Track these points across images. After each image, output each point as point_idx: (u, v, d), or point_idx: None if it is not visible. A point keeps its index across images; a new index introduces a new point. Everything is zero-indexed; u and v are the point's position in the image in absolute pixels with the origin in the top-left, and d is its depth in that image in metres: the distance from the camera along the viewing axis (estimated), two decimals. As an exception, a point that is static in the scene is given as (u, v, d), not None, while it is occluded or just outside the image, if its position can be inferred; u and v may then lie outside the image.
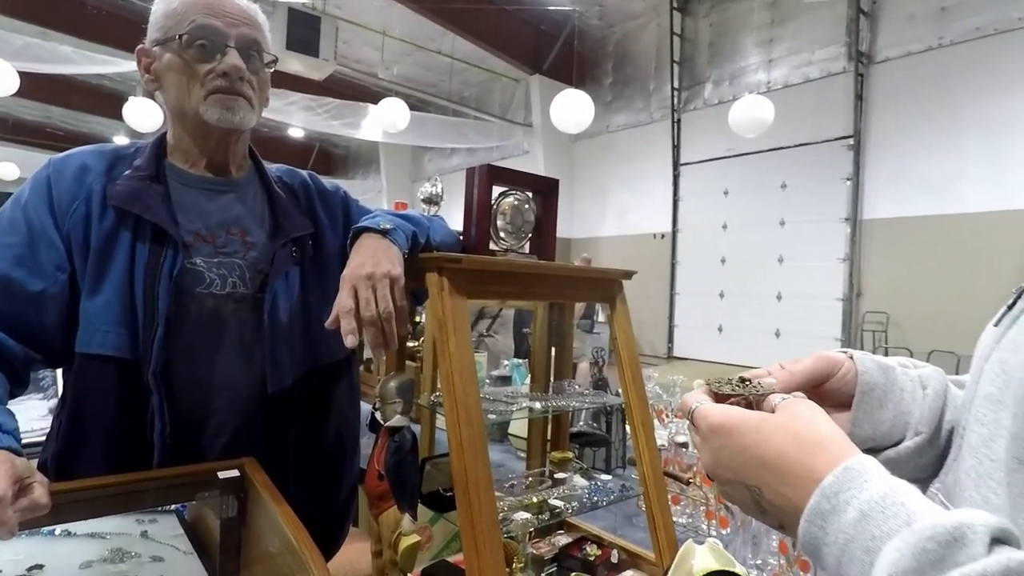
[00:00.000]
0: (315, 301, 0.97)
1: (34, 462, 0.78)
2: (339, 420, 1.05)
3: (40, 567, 0.77)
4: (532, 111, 8.88)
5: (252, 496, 0.82)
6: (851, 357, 0.54)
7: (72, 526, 0.85)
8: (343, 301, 0.78)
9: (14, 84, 5.67)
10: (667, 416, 1.60)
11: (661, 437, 1.52)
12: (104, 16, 7.39)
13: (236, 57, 0.90)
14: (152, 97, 6.97)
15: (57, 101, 10.04)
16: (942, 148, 5.49)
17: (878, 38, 6.00)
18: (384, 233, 0.87)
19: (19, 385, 0.84)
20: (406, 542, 0.83)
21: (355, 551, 1.22)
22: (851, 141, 6.05)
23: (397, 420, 0.87)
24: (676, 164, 7.75)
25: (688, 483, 1.30)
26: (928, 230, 5.57)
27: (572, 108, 5.69)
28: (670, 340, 7.83)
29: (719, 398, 0.47)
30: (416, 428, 1.16)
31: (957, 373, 0.56)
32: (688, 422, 0.47)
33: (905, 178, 5.74)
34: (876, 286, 5.97)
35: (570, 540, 1.11)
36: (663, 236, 7.91)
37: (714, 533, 1.26)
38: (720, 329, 7.32)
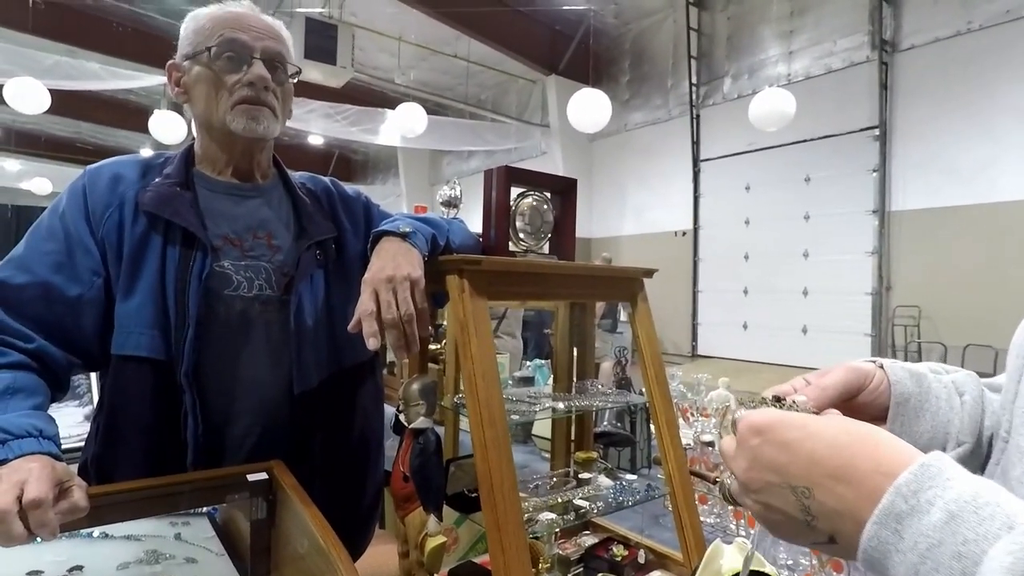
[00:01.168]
0: (338, 304, 0.99)
1: (73, 467, 0.80)
2: (363, 421, 1.06)
3: (80, 568, 0.79)
4: (549, 112, 8.88)
5: (281, 498, 0.84)
6: (881, 367, 0.52)
7: (109, 528, 0.87)
8: (365, 304, 0.79)
9: (46, 102, 5.86)
10: (692, 415, 1.58)
11: (686, 436, 1.51)
12: (129, 33, 7.61)
13: (261, 68, 0.92)
14: (179, 110, 7.15)
15: (86, 116, 10.35)
16: (973, 135, 5.34)
17: (903, 25, 5.86)
18: (404, 236, 0.88)
19: (60, 390, 0.86)
20: (432, 543, 0.83)
21: (382, 552, 1.23)
22: (877, 131, 5.92)
23: (421, 422, 0.87)
24: (696, 160, 7.67)
25: (715, 482, 1.29)
26: (960, 220, 5.42)
27: (589, 107, 5.67)
28: (694, 338, 7.74)
29: None
30: (440, 430, 1.16)
31: (995, 368, 0.54)
32: (720, 436, 0.44)
33: (934, 168, 5.60)
34: (906, 279, 5.82)
35: (596, 540, 1.10)
36: (684, 233, 7.83)
37: (743, 532, 1.24)
38: (745, 326, 7.22)
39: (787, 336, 6.74)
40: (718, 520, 1.29)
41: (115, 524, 0.85)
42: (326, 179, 1.11)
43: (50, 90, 5.87)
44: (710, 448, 1.42)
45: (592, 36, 8.17)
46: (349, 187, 1.13)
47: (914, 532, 0.30)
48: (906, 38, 5.84)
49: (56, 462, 0.70)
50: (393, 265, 0.82)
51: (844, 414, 0.40)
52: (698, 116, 7.65)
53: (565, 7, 7.55)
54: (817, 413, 0.41)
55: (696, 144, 7.67)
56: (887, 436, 0.34)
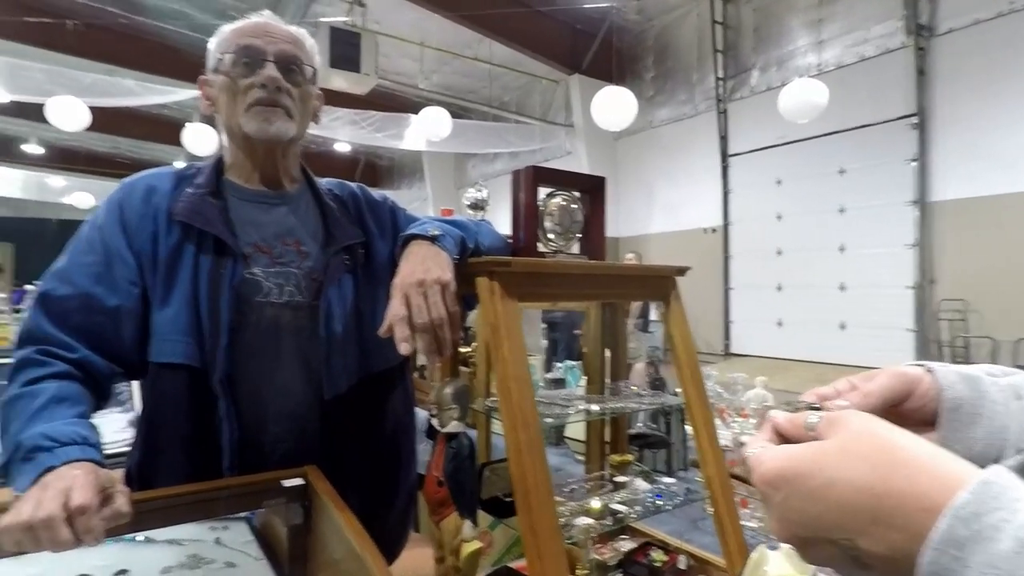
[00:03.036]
0: (367, 309, 0.99)
1: (116, 472, 0.82)
2: (395, 426, 1.06)
3: (125, 572, 0.81)
4: (573, 111, 8.83)
5: (316, 503, 0.84)
6: (929, 371, 0.47)
7: (152, 533, 0.89)
8: (395, 309, 0.78)
9: (86, 119, 6.08)
10: (729, 415, 1.54)
11: (724, 437, 1.46)
12: (161, 50, 7.86)
13: (273, 69, 0.93)
14: (211, 122, 7.36)
15: (123, 132, 10.72)
16: (1017, 120, 5.12)
17: (939, 9, 5.65)
18: (433, 239, 0.87)
19: (103, 398, 0.88)
20: (468, 548, 0.82)
21: (417, 556, 1.23)
22: (915, 120, 5.71)
23: (454, 426, 0.87)
24: (724, 156, 7.54)
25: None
26: (1006, 208, 5.19)
27: (613, 105, 5.62)
28: (726, 336, 7.60)
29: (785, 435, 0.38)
30: (472, 434, 1.15)
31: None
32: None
33: (977, 155, 5.37)
34: (951, 272, 5.60)
35: (634, 545, 1.08)
36: (714, 230, 7.70)
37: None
38: (780, 323, 7.06)
39: (824, 333, 6.56)
40: (761, 525, 1.25)
41: (158, 529, 0.87)
42: (353, 185, 1.12)
43: (89, 107, 6.10)
44: (748, 449, 1.37)
45: (614, 33, 8.10)
46: (376, 192, 1.14)
47: (980, 562, 0.26)
48: (944, 21, 5.63)
49: (99, 468, 0.71)
50: (423, 269, 0.81)
51: (890, 422, 0.35)
52: (725, 111, 7.51)
53: (587, 5, 7.51)
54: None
55: (724, 139, 7.54)
56: (919, 459, 0.30)
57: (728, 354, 7.53)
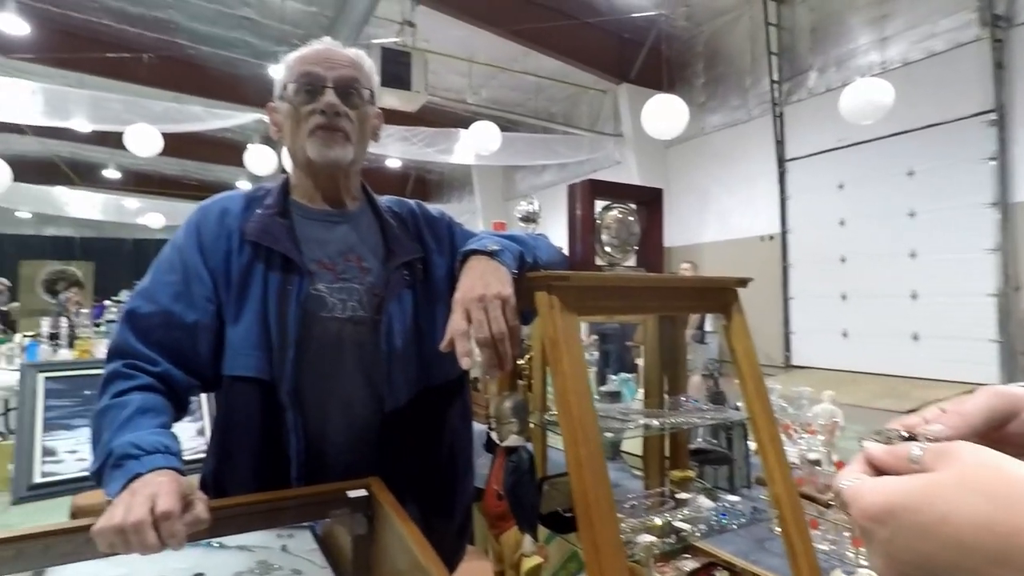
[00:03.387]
0: (426, 323, 1.01)
1: (192, 478, 0.86)
2: (452, 438, 1.07)
3: (201, 575, 0.85)
4: (622, 120, 8.77)
5: (379, 514, 0.86)
6: None
7: (225, 539, 0.93)
8: (456, 323, 0.79)
9: (159, 145, 6.50)
10: (795, 431, 1.47)
11: (791, 454, 1.41)
12: (225, 76, 8.35)
13: (332, 95, 0.97)
14: (271, 143, 7.72)
15: (191, 155, 11.39)
16: (1109, 113, 4.74)
17: (1017, -2, 5.32)
18: (492, 255, 0.88)
19: (181, 410, 0.93)
20: (528, 563, 0.82)
21: (474, 570, 1.23)
22: (992, 116, 5.36)
23: (513, 440, 0.87)
24: (781, 161, 7.30)
25: (828, 506, 1.19)
26: (1098, 209, 4.80)
27: (664, 113, 5.54)
28: (787, 348, 7.30)
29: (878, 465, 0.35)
30: (530, 447, 1.15)
31: None
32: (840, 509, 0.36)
33: (1063, 152, 5.00)
34: (1038, 277, 5.21)
35: (698, 565, 1.05)
36: (771, 238, 7.44)
37: (864, 562, 1.12)
38: (844, 334, 6.73)
39: (895, 344, 6.20)
40: (834, 547, 1.18)
41: (230, 535, 0.90)
42: (411, 202, 1.15)
43: (161, 133, 6.52)
44: (818, 467, 1.31)
45: (663, 41, 8.02)
46: (433, 208, 1.16)
47: None
48: (1023, 11, 5.29)
49: (180, 476, 0.75)
50: (483, 284, 0.82)
51: (990, 447, 0.32)
52: (781, 114, 7.29)
53: (635, 15, 7.47)
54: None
55: (780, 143, 7.30)
56: None
57: (789, 366, 7.23)
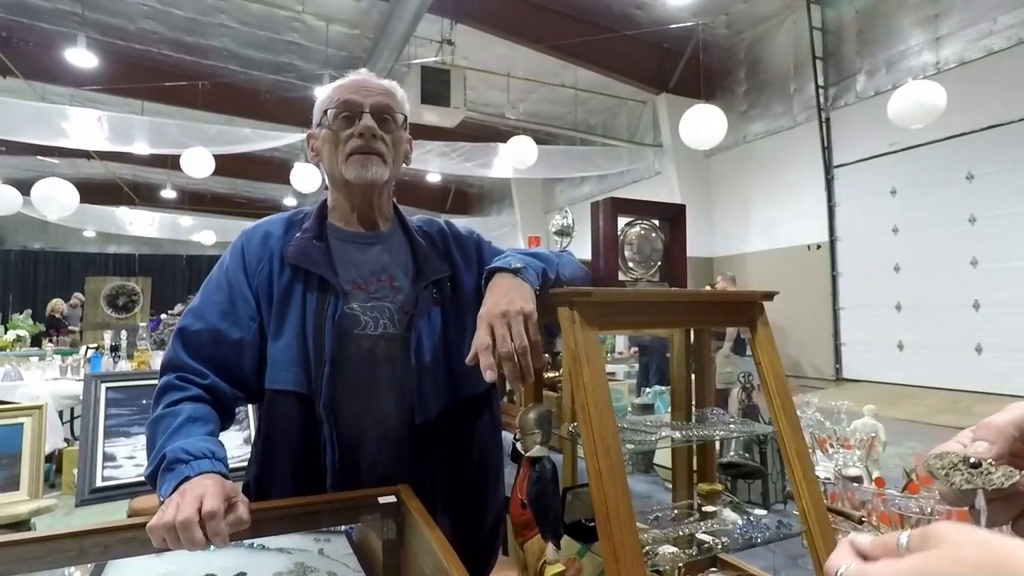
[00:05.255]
0: (455, 338, 1.05)
1: (237, 484, 0.92)
2: (482, 450, 1.10)
3: (244, 574, 0.90)
4: (661, 131, 8.70)
5: (408, 521, 0.89)
6: None
7: (265, 540, 0.98)
8: (481, 339, 0.83)
9: (211, 166, 6.85)
10: (832, 446, 1.44)
11: (827, 470, 1.38)
12: (274, 99, 8.75)
13: (369, 120, 1.03)
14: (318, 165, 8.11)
15: (240, 174, 11.93)
16: None
17: (1083, -11, 5.04)
18: (516, 272, 0.91)
19: (228, 420, 1.00)
20: (551, 571, 0.84)
21: (505, 578, 1.25)
22: (1058, 115, 5.08)
23: (537, 450, 0.89)
24: (828, 167, 7.08)
25: (861, 522, 1.16)
26: None
27: (702, 123, 5.49)
28: (837, 360, 7.03)
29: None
30: (558, 458, 1.17)
31: None
32: None
33: None
34: (1111, 285, 4.87)
35: (725, 580, 1.04)
36: (819, 247, 7.21)
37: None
38: (900, 346, 6.43)
39: (956, 356, 5.87)
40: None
41: (270, 537, 0.96)
42: (441, 220, 1.20)
43: (213, 155, 6.88)
44: (854, 484, 1.28)
45: (702, 50, 7.95)
46: (462, 226, 1.21)
47: None
48: (1087, 3, 5.01)
49: (225, 480, 0.81)
50: (507, 300, 0.85)
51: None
52: (828, 120, 7.08)
53: (673, 25, 7.44)
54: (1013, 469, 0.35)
55: (827, 150, 7.09)
56: None
57: (840, 379, 6.96)
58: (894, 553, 0.35)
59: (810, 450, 1.20)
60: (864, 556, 0.36)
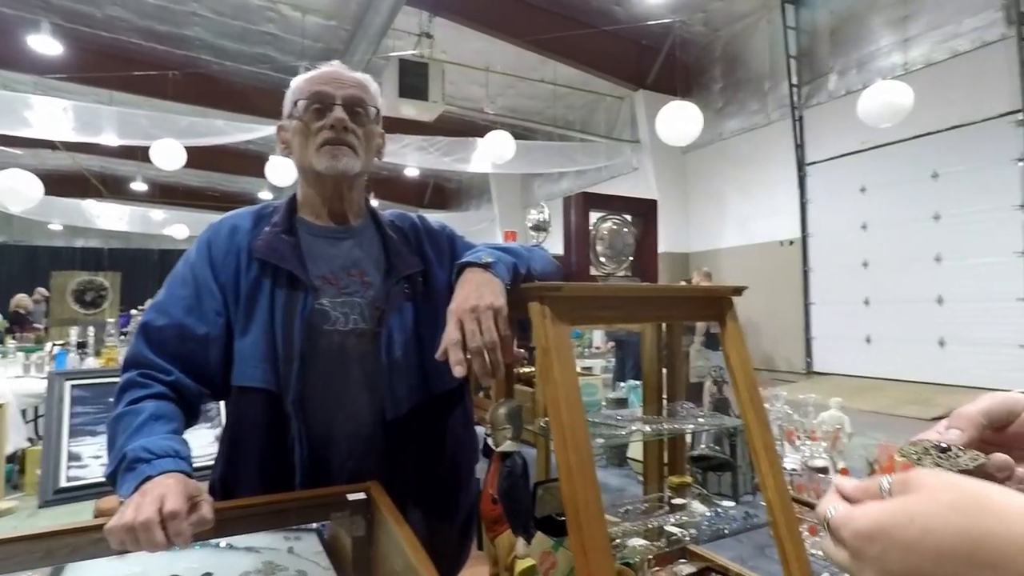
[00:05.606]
0: (427, 334, 1.04)
1: (204, 484, 0.91)
2: (454, 445, 1.10)
3: (210, 574, 0.89)
4: (639, 127, 8.77)
5: (377, 518, 0.89)
6: None
7: (233, 539, 0.97)
8: (450, 334, 0.82)
9: (183, 158, 6.69)
10: (799, 438, 1.47)
11: (794, 461, 1.41)
12: (246, 91, 8.57)
13: (340, 112, 1.02)
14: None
15: (214, 167, 11.69)
16: None
17: (1042, -5, 5.20)
18: (486, 267, 0.91)
19: (193, 417, 0.98)
20: (521, 565, 0.84)
21: (478, 573, 1.25)
22: (1020, 116, 5.22)
23: (508, 445, 0.90)
24: (801, 165, 7.21)
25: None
26: None
27: (679, 119, 5.54)
28: (808, 354, 7.19)
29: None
30: (532, 452, 1.18)
31: None
32: (826, 535, 0.39)
33: (1094, 152, 4.86)
34: (1070, 282, 5.06)
35: (694, 570, 1.06)
36: (791, 242, 7.35)
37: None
38: (868, 340, 6.60)
39: (920, 350, 6.07)
40: (829, 554, 1.17)
41: (238, 536, 0.94)
42: (413, 215, 1.19)
43: (185, 147, 6.72)
44: (820, 475, 1.31)
45: (679, 47, 8.01)
46: (434, 221, 1.20)
47: None
48: (1048, 9, 5.17)
49: (189, 479, 0.79)
50: (476, 295, 0.85)
51: (996, 449, 0.38)
52: (801, 118, 7.21)
53: (651, 22, 7.48)
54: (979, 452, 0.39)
55: (800, 147, 7.22)
56: (1007, 504, 0.31)
57: (810, 372, 7.12)
58: (876, 496, 0.37)
59: (778, 442, 1.22)
60: (849, 499, 0.39)
